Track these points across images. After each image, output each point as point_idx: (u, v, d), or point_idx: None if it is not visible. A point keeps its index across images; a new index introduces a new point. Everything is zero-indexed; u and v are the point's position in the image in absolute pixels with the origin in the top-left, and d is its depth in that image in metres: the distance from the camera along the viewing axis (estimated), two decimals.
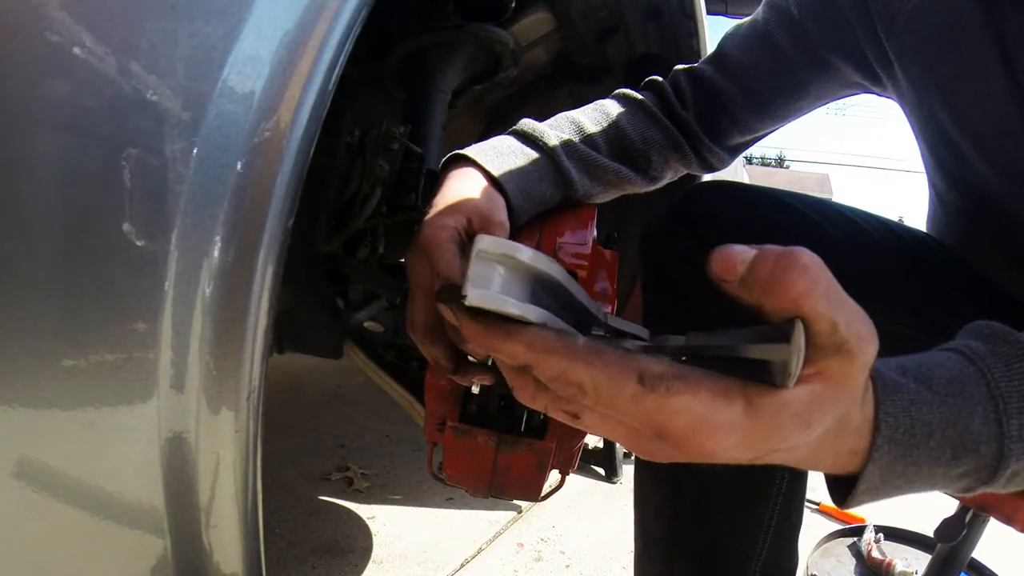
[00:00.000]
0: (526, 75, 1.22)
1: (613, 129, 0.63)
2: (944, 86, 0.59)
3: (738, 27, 0.71)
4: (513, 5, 0.97)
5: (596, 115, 0.64)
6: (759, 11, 0.69)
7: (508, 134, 0.58)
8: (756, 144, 0.76)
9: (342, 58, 0.40)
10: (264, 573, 0.45)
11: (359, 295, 1.00)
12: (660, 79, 0.70)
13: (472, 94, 1.12)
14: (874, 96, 0.72)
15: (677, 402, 0.27)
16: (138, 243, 0.33)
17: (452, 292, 0.30)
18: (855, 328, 0.26)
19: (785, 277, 0.25)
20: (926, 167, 0.70)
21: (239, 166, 0.36)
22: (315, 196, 0.84)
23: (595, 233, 0.55)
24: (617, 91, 0.68)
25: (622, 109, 0.65)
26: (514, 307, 0.28)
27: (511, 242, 0.29)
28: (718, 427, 0.27)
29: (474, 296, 0.27)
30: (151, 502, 0.37)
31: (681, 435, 0.28)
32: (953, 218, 0.69)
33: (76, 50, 0.30)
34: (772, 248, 0.26)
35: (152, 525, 0.38)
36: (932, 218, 0.74)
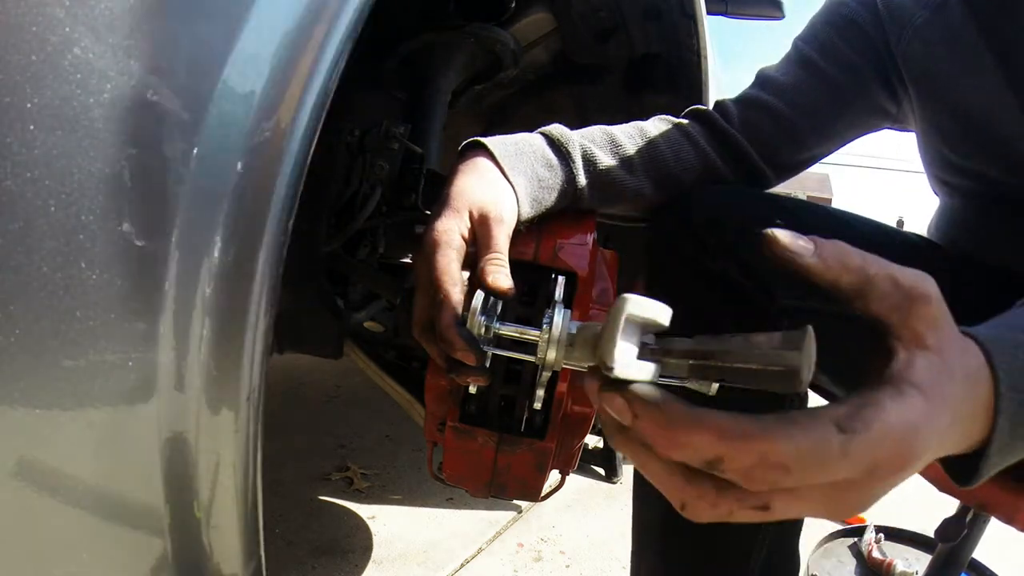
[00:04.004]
0: (526, 75, 1.21)
1: (648, 146, 0.63)
2: (946, 88, 0.62)
3: (771, 65, 0.74)
4: (513, 5, 0.97)
5: (631, 130, 0.64)
6: (790, 49, 0.73)
7: (537, 133, 0.58)
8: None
9: (342, 58, 0.40)
10: (264, 573, 0.45)
11: (359, 295, 1.00)
12: (703, 107, 0.71)
13: (472, 94, 1.12)
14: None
15: (879, 429, 0.25)
16: (138, 243, 0.33)
17: (608, 380, 0.27)
18: (907, 273, 0.28)
19: (848, 250, 0.28)
20: (931, 165, 0.71)
21: (239, 166, 0.36)
22: (315, 196, 0.84)
23: (595, 233, 0.55)
24: (657, 116, 0.69)
25: (661, 128, 0.66)
26: (653, 375, 0.26)
27: (656, 304, 0.27)
28: (917, 427, 0.26)
29: (622, 368, 0.25)
30: (151, 502, 0.37)
31: (893, 458, 0.26)
32: (960, 213, 0.70)
33: (76, 50, 0.30)
34: (814, 237, 0.29)
35: (152, 525, 0.38)
36: (941, 210, 0.75)
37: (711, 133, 0.68)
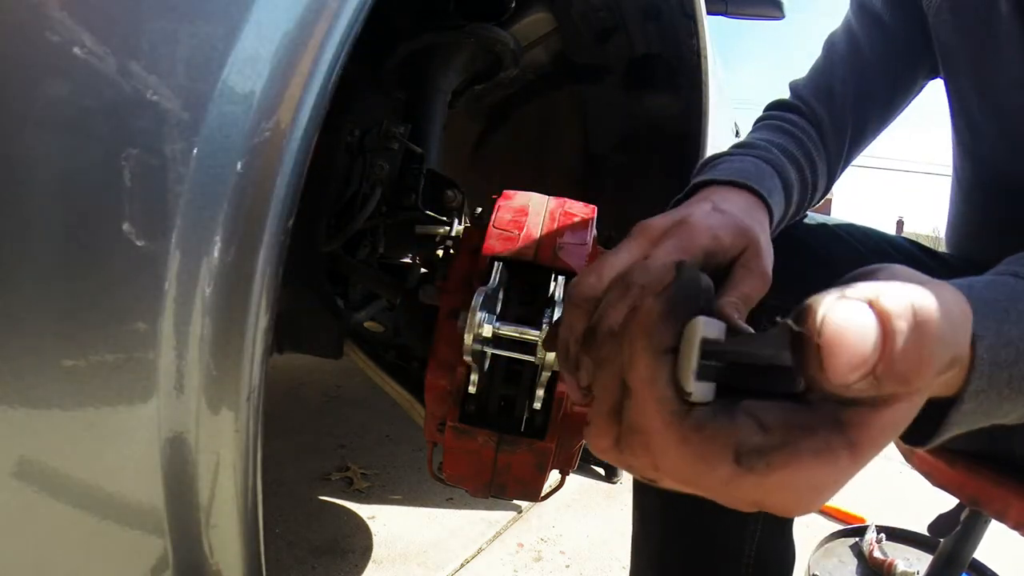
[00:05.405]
0: (526, 75, 1.21)
1: (802, 185, 0.60)
2: (972, 66, 0.62)
3: (832, 33, 0.72)
4: (513, 5, 0.97)
5: (804, 163, 0.60)
6: (842, 21, 0.71)
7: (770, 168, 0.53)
8: None
9: (342, 58, 0.40)
10: (264, 573, 0.45)
11: (359, 295, 1.00)
12: (794, 102, 0.67)
13: (472, 94, 1.12)
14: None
15: (779, 479, 0.23)
16: (138, 243, 0.33)
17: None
18: (899, 310, 0.22)
19: (926, 344, 0.21)
20: (952, 146, 0.71)
21: (239, 166, 0.36)
22: (315, 196, 0.84)
23: (595, 233, 0.55)
24: (799, 124, 0.64)
25: (808, 152, 0.62)
26: (712, 393, 0.26)
27: (717, 323, 0.27)
28: (823, 490, 0.23)
29: (699, 393, 0.25)
30: (151, 502, 0.37)
31: (783, 507, 0.24)
32: (962, 216, 0.70)
33: (76, 50, 0.30)
34: (879, 304, 0.21)
35: (152, 525, 0.38)
36: (951, 213, 0.75)
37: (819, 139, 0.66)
